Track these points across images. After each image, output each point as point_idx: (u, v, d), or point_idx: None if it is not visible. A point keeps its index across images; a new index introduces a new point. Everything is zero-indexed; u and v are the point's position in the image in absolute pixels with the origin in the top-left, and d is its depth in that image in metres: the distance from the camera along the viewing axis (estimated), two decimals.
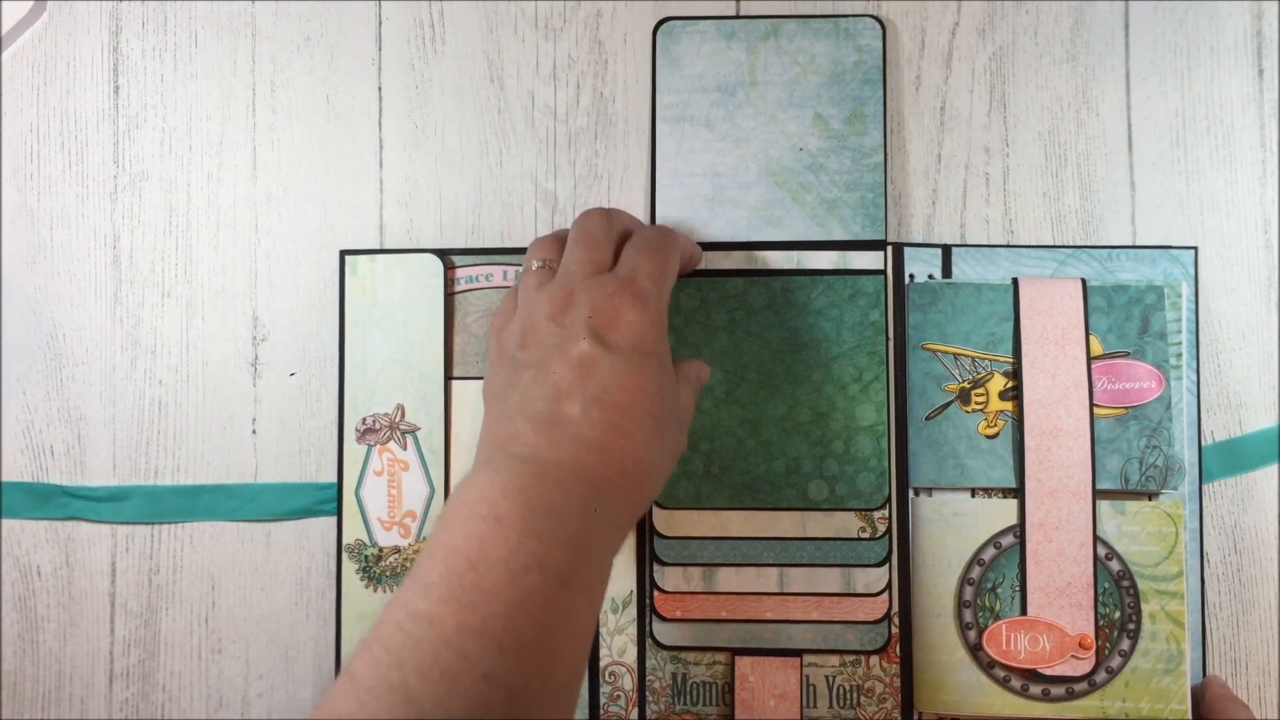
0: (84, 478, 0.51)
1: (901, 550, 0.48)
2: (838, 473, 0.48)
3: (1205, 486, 0.49)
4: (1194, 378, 0.49)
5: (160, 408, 0.51)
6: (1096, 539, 0.47)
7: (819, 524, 0.48)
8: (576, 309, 0.40)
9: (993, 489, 0.48)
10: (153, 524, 0.51)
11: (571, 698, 0.35)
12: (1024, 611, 0.47)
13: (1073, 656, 0.46)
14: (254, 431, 0.51)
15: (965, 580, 0.47)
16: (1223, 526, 0.49)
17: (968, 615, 0.47)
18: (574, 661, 0.35)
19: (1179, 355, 0.48)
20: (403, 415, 0.49)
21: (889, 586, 0.48)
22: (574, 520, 0.36)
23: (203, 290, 0.51)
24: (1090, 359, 0.48)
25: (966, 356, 0.48)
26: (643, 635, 0.49)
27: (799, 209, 0.49)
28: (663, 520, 0.48)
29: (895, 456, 0.48)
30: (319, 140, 0.52)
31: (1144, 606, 0.47)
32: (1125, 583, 0.47)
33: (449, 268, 0.50)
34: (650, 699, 0.48)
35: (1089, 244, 0.50)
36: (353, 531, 0.49)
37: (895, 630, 0.48)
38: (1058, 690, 0.47)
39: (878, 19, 0.50)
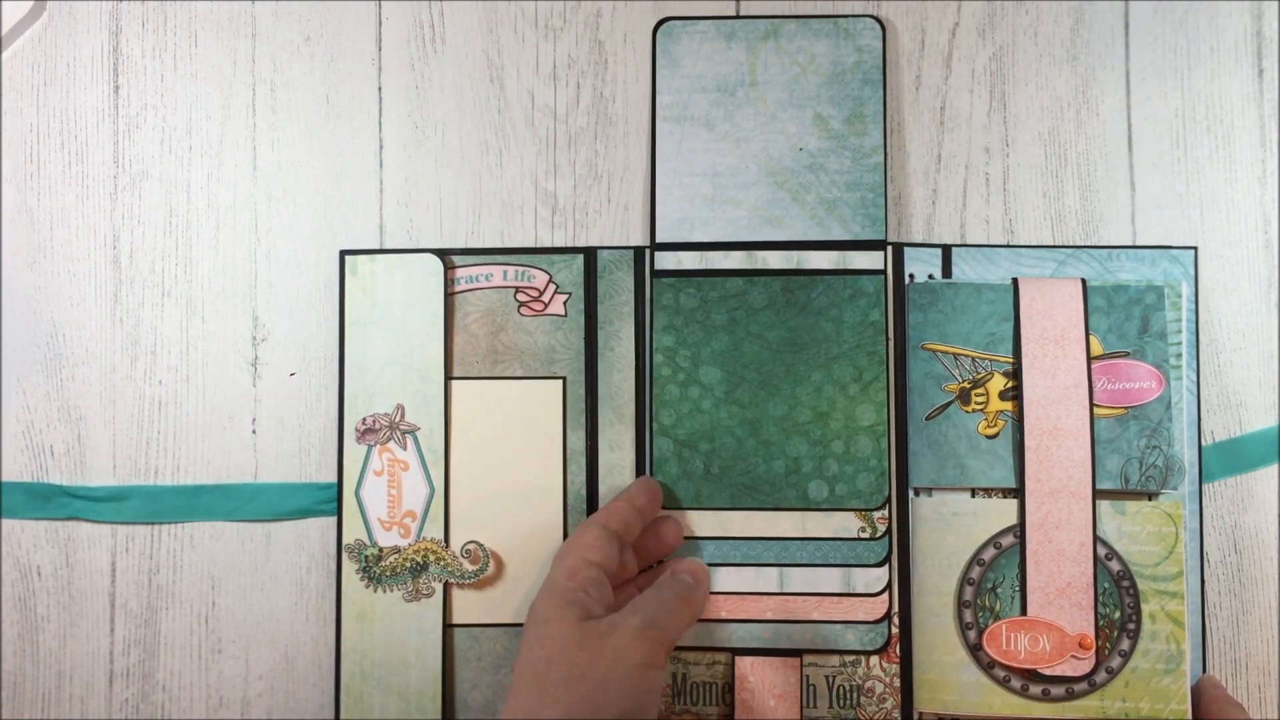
0: (84, 478, 0.51)
1: (901, 550, 0.48)
2: (838, 473, 0.48)
3: (1205, 486, 0.49)
4: (1194, 378, 0.49)
5: (160, 408, 0.51)
6: (1096, 539, 0.47)
7: (819, 524, 0.48)
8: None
9: (993, 489, 0.48)
10: (153, 524, 0.51)
11: None
12: (1024, 611, 0.47)
13: (1073, 656, 0.46)
14: (254, 431, 0.51)
15: (965, 580, 0.47)
16: (1223, 526, 0.49)
17: (968, 615, 0.47)
18: None
19: (1179, 355, 0.48)
20: (403, 415, 0.49)
21: (889, 586, 0.48)
22: None
23: (203, 290, 0.51)
24: (1090, 359, 0.48)
25: (966, 356, 0.48)
26: None
27: (799, 209, 0.49)
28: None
29: (895, 456, 0.48)
30: (319, 140, 0.52)
31: (1144, 606, 0.47)
32: (1125, 583, 0.47)
33: (449, 268, 0.50)
34: None
35: (1089, 244, 0.50)
36: (353, 531, 0.49)
37: (895, 630, 0.48)
38: (1058, 690, 0.47)
39: (878, 19, 0.50)
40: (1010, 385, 0.48)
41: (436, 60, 0.51)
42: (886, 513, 0.48)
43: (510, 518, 0.49)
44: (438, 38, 0.52)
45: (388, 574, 0.49)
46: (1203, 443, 0.49)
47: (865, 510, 0.48)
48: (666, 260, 0.49)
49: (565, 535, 0.49)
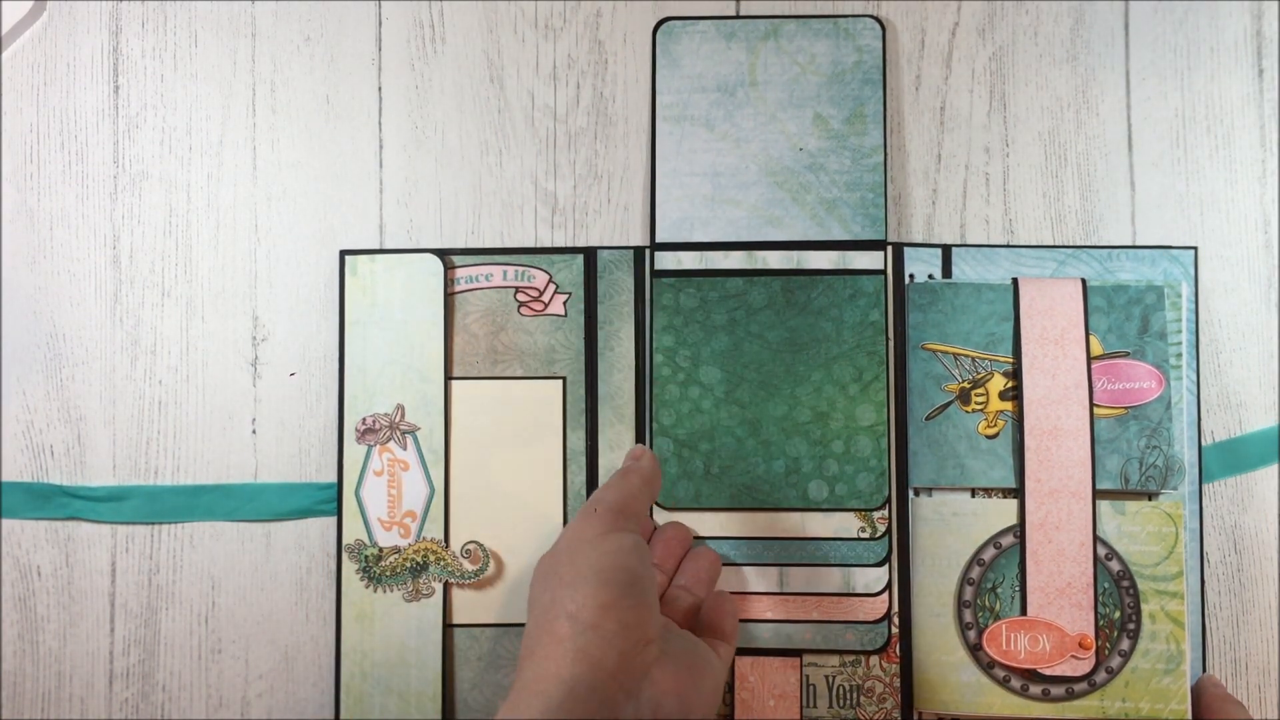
0: (84, 478, 0.51)
1: (901, 550, 0.48)
2: (838, 473, 0.48)
3: (1205, 486, 0.49)
4: (1194, 378, 0.49)
5: (160, 408, 0.51)
6: (1096, 539, 0.47)
7: (819, 524, 0.48)
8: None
9: (993, 489, 0.48)
10: (153, 524, 0.51)
11: None
12: (1024, 611, 0.47)
13: (1073, 656, 0.46)
14: (254, 431, 0.51)
15: (965, 580, 0.47)
16: (1223, 526, 0.49)
17: (968, 615, 0.47)
18: None
19: (1179, 355, 0.48)
20: (403, 415, 0.49)
21: (889, 586, 0.48)
22: None
23: (203, 290, 0.51)
24: (1090, 359, 0.48)
25: (966, 356, 0.48)
26: None
27: (799, 209, 0.49)
28: (663, 520, 0.48)
29: (895, 456, 0.48)
30: (319, 140, 0.52)
31: (1144, 606, 0.47)
32: (1125, 583, 0.47)
33: (449, 268, 0.50)
34: None
35: (1089, 244, 0.50)
36: (353, 531, 0.49)
37: (895, 630, 0.48)
38: (1058, 690, 0.47)
39: (878, 19, 0.50)
40: (1010, 385, 0.48)
41: (436, 60, 0.51)
42: (886, 513, 0.48)
43: (510, 518, 0.49)
44: (438, 38, 0.52)
45: (388, 574, 0.49)
46: (1203, 443, 0.49)
47: (865, 510, 0.48)
48: (666, 260, 0.49)
49: None
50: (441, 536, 0.49)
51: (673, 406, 0.49)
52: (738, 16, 0.50)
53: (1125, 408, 0.47)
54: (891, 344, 0.49)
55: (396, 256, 0.50)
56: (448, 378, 0.50)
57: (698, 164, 0.50)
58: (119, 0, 0.52)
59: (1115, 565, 0.47)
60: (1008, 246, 0.50)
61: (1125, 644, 0.47)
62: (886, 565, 0.48)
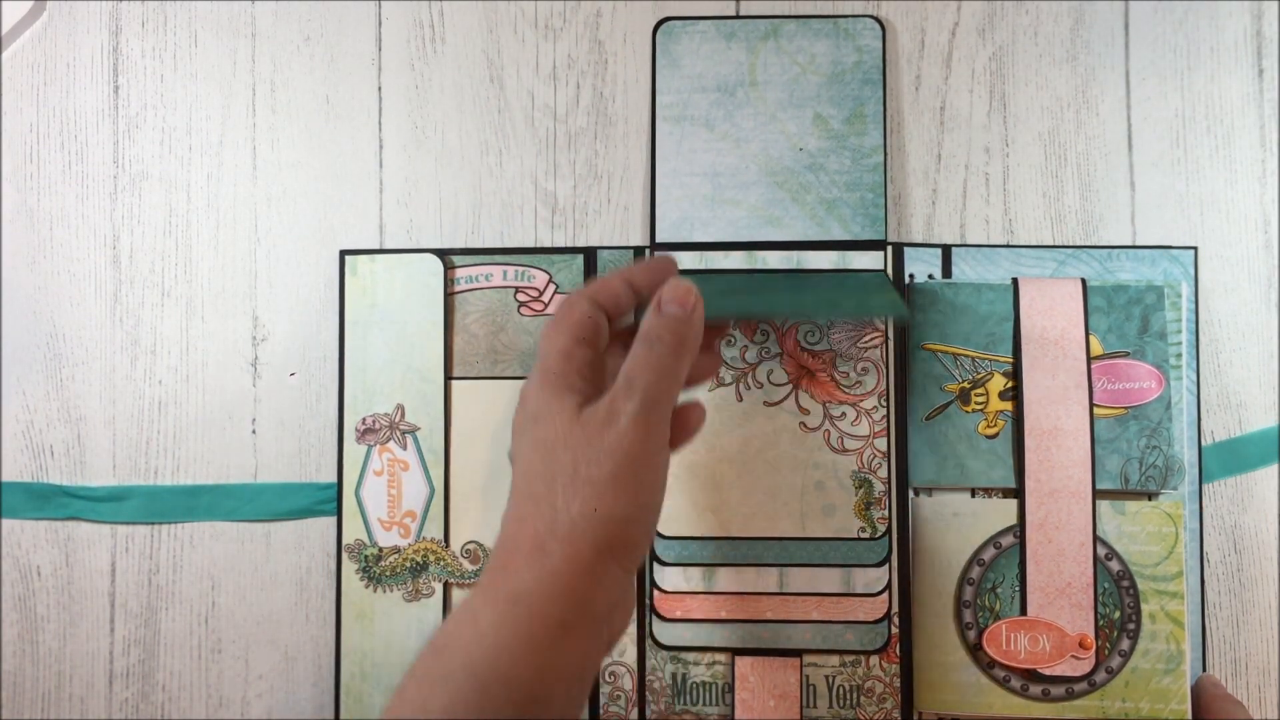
0: (84, 478, 0.51)
1: (901, 550, 0.48)
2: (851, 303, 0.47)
3: (1205, 486, 0.49)
4: (1194, 378, 0.49)
5: (160, 408, 0.51)
6: (1096, 539, 0.47)
7: (819, 524, 0.48)
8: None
9: (993, 489, 0.48)
10: (153, 524, 0.51)
11: None
12: (1024, 611, 0.47)
13: (1073, 656, 0.46)
14: (254, 431, 0.51)
15: (965, 580, 0.47)
16: (1223, 526, 0.49)
17: (968, 615, 0.47)
18: None
19: (1179, 355, 0.48)
20: (403, 415, 0.49)
21: (889, 586, 0.48)
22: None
23: (203, 290, 0.51)
24: (1090, 359, 0.48)
25: (966, 356, 0.48)
26: (643, 635, 0.49)
27: (799, 209, 0.49)
28: (663, 520, 0.48)
29: (895, 456, 0.48)
30: (319, 140, 0.52)
31: (1144, 606, 0.47)
32: (1125, 583, 0.47)
33: (449, 268, 0.50)
34: (650, 699, 0.48)
35: (1089, 244, 0.50)
36: (352, 531, 0.49)
37: (895, 630, 0.48)
38: (1058, 690, 0.47)
39: (878, 19, 0.50)
40: (1010, 385, 0.48)
41: (436, 60, 0.51)
42: (886, 512, 0.48)
43: None
44: (438, 38, 0.52)
45: (388, 574, 0.49)
46: (1203, 443, 0.49)
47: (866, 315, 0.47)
48: None
49: None
50: (441, 536, 0.49)
51: None
52: (738, 16, 0.50)
53: (1125, 408, 0.47)
54: (891, 344, 0.49)
55: (396, 256, 0.50)
56: (448, 378, 0.50)
57: (698, 164, 0.50)
58: (119, 0, 0.52)
59: (1115, 565, 0.47)
60: (1008, 246, 0.50)
61: (1125, 644, 0.47)
62: (886, 565, 0.48)
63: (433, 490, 0.49)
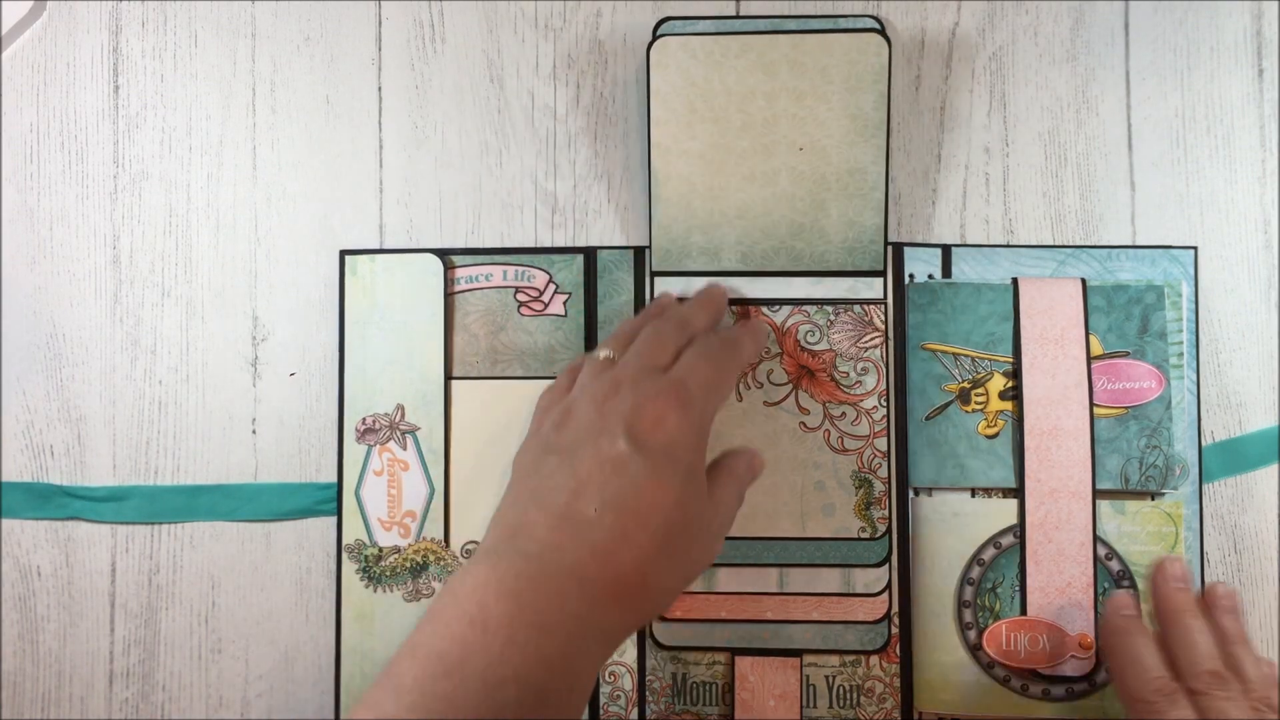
0: (84, 478, 0.51)
1: (901, 550, 0.48)
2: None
3: (1205, 486, 0.49)
4: (1194, 378, 0.49)
5: (160, 408, 0.51)
6: (1096, 539, 0.47)
7: (819, 524, 0.48)
8: (619, 401, 0.39)
9: (993, 489, 0.48)
10: (153, 524, 0.51)
11: None
12: (1024, 611, 0.47)
13: (1073, 656, 0.46)
14: (254, 431, 0.51)
15: (965, 580, 0.47)
16: (1223, 526, 0.49)
17: (968, 615, 0.47)
18: None
19: (1179, 355, 0.48)
20: (403, 415, 0.49)
21: (889, 586, 0.48)
22: (562, 634, 0.35)
23: (203, 290, 0.51)
24: (1090, 359, 0.48)
25: (966, 356, 0.48)
26: (642, 635, 0.49)
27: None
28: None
29: (895, 457, 0.48)
30: (319, 140, 0.52)
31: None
32: (1125, 583, 0.47)
33: (449, 268, 0.50)
34: (650, 699, 0.48)
35: (1089, 244, 0.50)
36: (352, 531, 0.49)
37: (895, 630, 0.48)
38: (1058, 690, 0.47)
39: (878, 19, 0.50)
40: (1010, 385, 0.48)
41: (436, 60, 0.51)
42: (887, 512, 0.48)
43: None
44: (438, 38, 0.52)
45: (388, 574, 0.49)
46: (1203, 443, 0.49)
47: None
48: None
49: None
50: (441, 536, 0.49)
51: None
52: (737, 16, 0.50)
53: (1125, 408, 0.47)
54: (891, 344, 0.49)
55: (396, 256, 0.50)
56: (448, 378, 0.50)
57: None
58: (119, 0, 0.52)
59: (1115, 565, 0.47)
60: (1008, 246, 0.50)
61: None
62: (886, 565, 0.48)
63: (433, 490, 0.49)
